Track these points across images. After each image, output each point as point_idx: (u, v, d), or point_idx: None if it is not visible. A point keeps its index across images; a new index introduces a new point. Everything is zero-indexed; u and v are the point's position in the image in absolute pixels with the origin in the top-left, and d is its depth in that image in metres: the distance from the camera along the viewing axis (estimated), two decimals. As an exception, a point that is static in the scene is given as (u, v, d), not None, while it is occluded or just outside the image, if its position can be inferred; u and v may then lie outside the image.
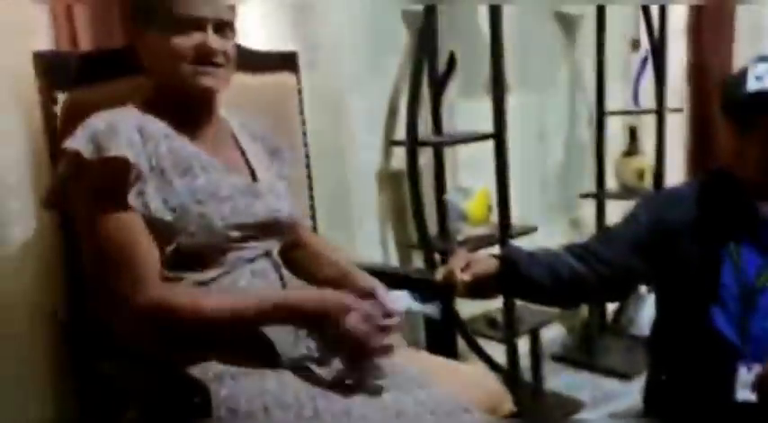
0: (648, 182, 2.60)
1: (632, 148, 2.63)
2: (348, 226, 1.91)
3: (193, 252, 1.10)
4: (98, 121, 1.07)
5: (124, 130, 1.07)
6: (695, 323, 1.24)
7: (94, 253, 1.08)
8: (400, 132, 2.14)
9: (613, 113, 2.72)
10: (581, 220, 2.87)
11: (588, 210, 2.81)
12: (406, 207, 2.15)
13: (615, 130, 2.80)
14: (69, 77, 1.26)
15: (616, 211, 2.69)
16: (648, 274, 1.33)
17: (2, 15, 1.25)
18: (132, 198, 1.05)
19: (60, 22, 1.37)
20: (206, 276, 1.11)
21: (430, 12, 2.02)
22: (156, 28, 1.13)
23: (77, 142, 1.04)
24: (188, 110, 1.19)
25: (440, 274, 1.34)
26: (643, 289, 2.56)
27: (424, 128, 2.14)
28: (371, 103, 2.03)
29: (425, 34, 2.03)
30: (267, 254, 1.21)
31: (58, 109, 1.24)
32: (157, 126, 1.14)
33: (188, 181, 1.11)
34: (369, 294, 1.15)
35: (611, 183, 2.75)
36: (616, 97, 2.76)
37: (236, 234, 1.13)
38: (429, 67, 2.10)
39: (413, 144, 2.03)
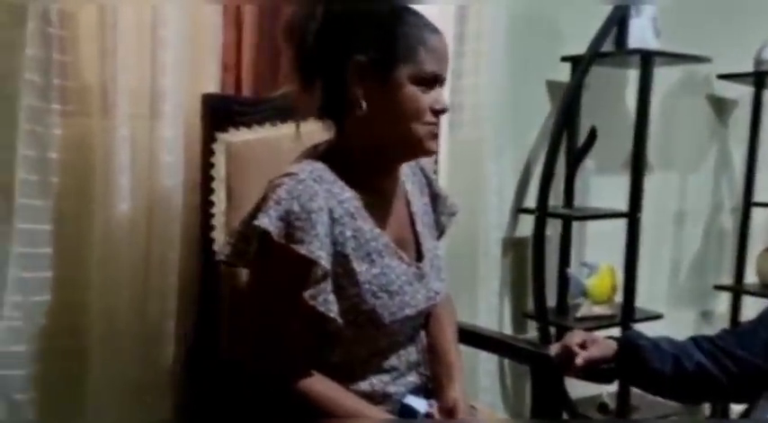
0: (794, 282, 2.43)
1: (779, 244, 2.47)
2: (469, 286, 1.92)
3: (350, 338, 1.13)
4: (292, 199, 1.03)
5: (317, 219, 1.03)
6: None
7: (255, 319, 1.10)
8: (529, 200, 2.14)
9: (761, 205, 2.56)
10: (713, 313, 2.71)
11: (722, 304, 2.65)
12: (527, 276, 2.13)
13: (761, 222, 2.64)
14: (230, 119, 1.36)
15: (753, 309, 2.52)
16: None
17: (180, 61, 1.37)
18: (309, 294, 1.05)
19: (228, 69, 1.49)
20: (361, 375, 1.15)
21: (575, 84, 2.03)
22: (401, 81, 1.07)
23: (270, 222, 1.02)
24: (382, 170, 1.17)
25: (554, 351, 1.33)
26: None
27: (555, 198, 2.13)
28: (505, 167, 2.04)
29: (568, 106, 2.03)
30: (413, 337, 1.23)
31: (215, 146, 1.35)
32: (345, 199, 1.10)
33: (366, 268, 1.10)
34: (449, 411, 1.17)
35: (750, 277, 2.58)
36: (765, 187, 2.61)
37: (397, 325, 1.15)
38: (568, 138, 2.10)
39: (542, 214, 2.03)
